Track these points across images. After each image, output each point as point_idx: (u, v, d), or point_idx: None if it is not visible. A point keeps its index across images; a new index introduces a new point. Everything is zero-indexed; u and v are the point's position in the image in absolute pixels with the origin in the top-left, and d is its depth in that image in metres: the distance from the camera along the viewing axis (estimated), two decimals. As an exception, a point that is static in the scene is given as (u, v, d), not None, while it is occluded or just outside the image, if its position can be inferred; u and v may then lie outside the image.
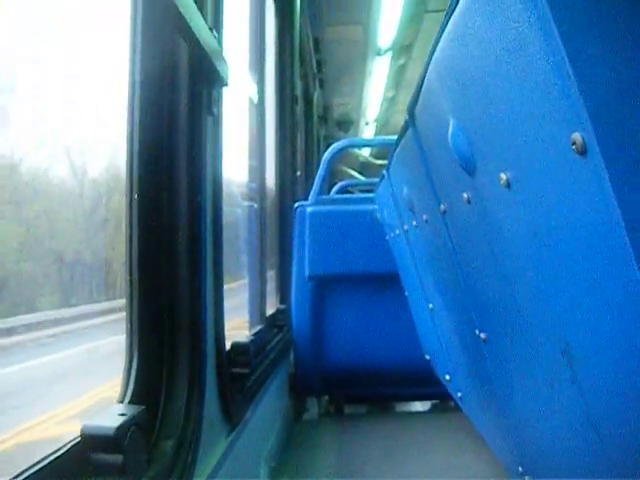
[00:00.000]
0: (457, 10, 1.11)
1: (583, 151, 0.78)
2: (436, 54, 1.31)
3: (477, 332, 1.89)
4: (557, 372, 1.24)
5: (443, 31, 1.22)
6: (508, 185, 1.11)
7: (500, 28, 0.94)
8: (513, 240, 1.25)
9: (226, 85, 2.09)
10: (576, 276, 0.97)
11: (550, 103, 0.84)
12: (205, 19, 1.84)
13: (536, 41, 0.83)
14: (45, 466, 1.24)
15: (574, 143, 0.79)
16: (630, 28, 0.74)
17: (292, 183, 5.35)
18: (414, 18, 7.98)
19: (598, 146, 0.75)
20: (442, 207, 1.81)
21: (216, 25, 2.03)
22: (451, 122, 1.34)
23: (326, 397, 5.42)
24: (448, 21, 1.17)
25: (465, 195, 1.46)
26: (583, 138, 0.77)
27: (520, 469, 1.94)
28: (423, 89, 1.52)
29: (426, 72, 1.43)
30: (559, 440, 1.43)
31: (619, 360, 0.95)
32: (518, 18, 0.86)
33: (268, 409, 3.34)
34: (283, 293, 4.67)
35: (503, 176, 1.12)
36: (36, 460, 1.25)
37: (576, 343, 1.09)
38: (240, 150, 4.18)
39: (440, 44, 1.26)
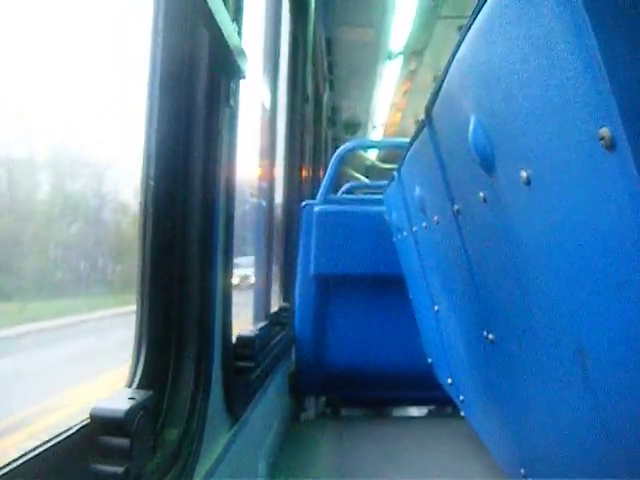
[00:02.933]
0: (484, 8, 1.12)
1: (611, 146, 0.78)
2: (459, 52, 1.31)
3: (485, 333, 1.89)
4: (568, 373, 1.24)
5: (469, 29, 1.22)
6: (528, 183, 1.11)
7: (528, 25, 0.94)
8: (530, 239, 1.25)
9: (244, 77, 2.10)
10: (596, 276, 0.97)
11: (578, 98, 0.84)
12: (227, 10, 1.84)
13: (567, 37, 0.83)
14: (53, 446, 1.24)
15: (602, 138, 0.79)
16: None
17: (300, 182, 5.35)
18: (427, 24, 7.99)
19: (627, 141, 0.75)
20: (456, 207, 1.81)
21: (237, 17, 2.03)
22: (472, 120, 1.34)
23: (323, 398, 5.42)
24: (474, 20, 1.18)
25: (481, 194, 1.46)
26: (612, 133, 0.77)
27: (522, 471, 1.94)
28: (443, 88, 1.53)
29: (447, 71, 1.43)
30: (566, 442, 1.43)
31: (634, 362, 0.95)
32: (548, 14, 0.86)
33: (269, 406, 3.34)
34: (287, 291, 4.67)
35: (523, 174, 1.12)
36: (45, 440, 1.26)
37: (590, 344, 1.09)
38: (251, 146, 4.18)
39: (465, 42, 1.26)
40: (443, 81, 1.49)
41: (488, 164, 1.32)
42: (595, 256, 0.95)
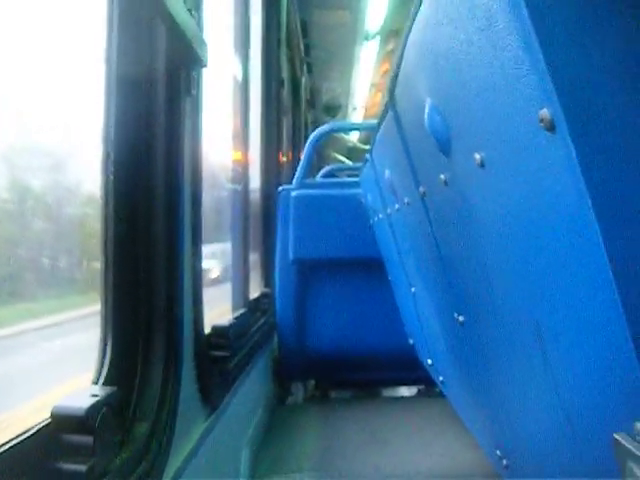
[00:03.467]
0: None
1: (551, 127, 0.77)
2: (412, 35, 1.30)
3: (456, 315, 1.89)
4: (529, 355, 1.24)
5: (418, 11, 1.21)
6: (482, 165, 1.10)
7: (471, 6, 0.93)
8: (488, 220, 1.24)
9: (205, 66, 2.07)
10: (546, 254, 0.97)
11: (519, 80, 0.83)
12: (184, 1, 1.82)
13: (505, 18, 0.82)
14: (14, 446, 1.23)
15: (542, 120, 0.78)
16: (598, 5, 0.73)
17: (278, 166, 5.33)
18: (403, 3, 7.94)
19: (566, 122, 0.74)
20: (421, 189, 1.80)
21: (196, 5, 2.00)
22: (427, 103, 1.33)
23: (312, 382, 5.43)
24: (422, 1, 1.16)
25: (442, 177, 1.45)
26: (551, 114, 0.76)
27: (498, 453, 1.95)
28: (401, 70, 1.51)
29: (403, 53, 1.41)
30: (533, 424, 1.43)
31: (588, 340, 0.94)
32: None
33: (250, 393, 3.34)
34: (267, 277, 4.66)
35: (477, 156, 1.11)
36: (4, 441, 1.24)
37: (546, 324, 1.09)
38: (225, 131, 4.15)
39: (415, 24, 1.25)
40: (401, 63, 1.47)
41: (445, 147, 1.31)
42: (544, 238, 0.95)
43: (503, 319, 1.38)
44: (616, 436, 0.85)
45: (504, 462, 1.90)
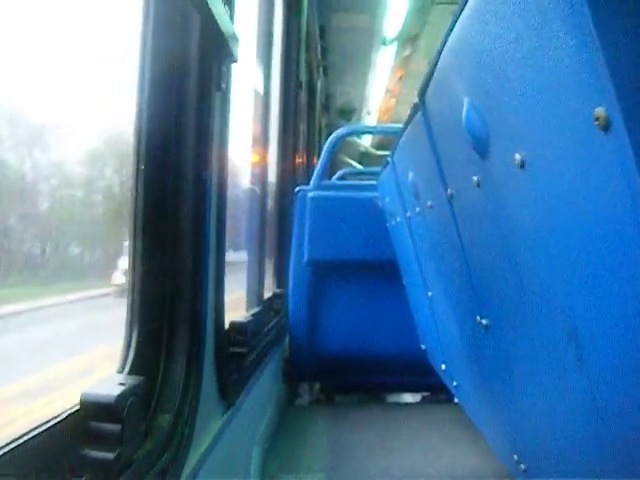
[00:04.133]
0: None
1: (606, 127, 0.77)
2: (452, 34, 1.30)
3: (479, 318, 1.89)
4: (562, 358, 1.23)
5: (462, 11, 1.21)
6: (522, 166, 1.10)
7: (522, 4, 0.93)
8: (523, 223, 1.24)
9: (236, 61, 2.08)
10: (590, 259, 0.97)
11: (573, 78, 0.83)
12: None
13: (561, 15, 0.82)
14: (43, 432, 1.24)
15: (597, 118, 0.78)
16: None
17: (294, 168, 5.34)
18: (422, 9, 7.95)
19: (623, 121, 0.74)
20: (449, 192, 1.80)
21: (229, 0, 2.01)
22: (465, 102, 1.33)
23: (318, 385, 5.43)
24: (467, 1, 1.17)
25: (475, 178, 1.45)
26: (607, 113, 0.76)
27: (515, 457, 1.94)
28: (437, 71, 1.51)
29: (440, 54, 1.42)
30: (560, 428, 1.42)
31: (628, 344, 0.94)
32: None
33: (262, 392, 3.34)
34: (280, 277, 4.66)
35: (517, 156, 1.11)
36: (34, 426, 1.25)
37: (584, 327, 1.09)
38: (244, 132, 4.17)
39: (458, 24, 1.25)
40: (436, 64, 1.48)
41: (482, 147, 1.31)
42: (589, 239, 0.95)
43: (533, 321, 1.38)
44: None
45: (522, 466, 1.90)
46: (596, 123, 0.78)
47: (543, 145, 1.01)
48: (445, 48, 1.37)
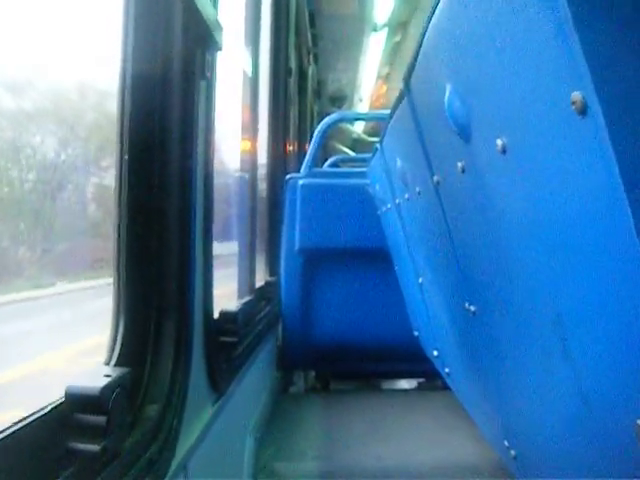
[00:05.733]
0: None
1: (583, 111, 0.76)
2: (434, 19, 1.29)
3: (467, 305, 1.89)
4: (548, 344, 1.23)
5: None
6: (504, 151, 1.10)
7: None
8: (507, 209, 1.23)
9: (220, 49, 2.07)
10: (572, 243, 0.96)
11: (550, 62, 0.82)
12: None
13: (539, 0, 0.81)
14: (27, 425, 1.23)
15: (574, 102, 0.77)
16: None
17: (284, 156, 5.32)
18: (411, -6, 7.94)
19: (599, 105, 0.74)
20: (436, 178, 1.79)
21: None
22: (447, 88, 1.32)
23: (312, 372, 5.43)
24: None
25: (460, 164, 1.45)
26: (584, 97, 0.76)
27: (506, 443, 1.94)
28: (420, 57, 1.51)
29: (423, 39, 1.41)
30: (547, 413, 1.43)
31: (611, 332, 0.94)
32: None
33: (255, 380, 3.34)
34: (272, 265, 4.66)
35: (499, 142, 1.10)
36: (18, 419, 1.24)
37: (568, 314, 1.08)
38: (234, 120, 4.15)
39: (438, 9, 1.24)
40: (419, 50, 1.47)
41: (465, 133, 1.30)
42: (571, 225, 0.94)
43: (519, 308, 1.38)
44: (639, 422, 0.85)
45: (512, 452, 1.90)
46: (573, 107, 0.78)
47: (523, 130, 1.01)
48: (427, 34, 1.36)
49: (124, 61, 1.72)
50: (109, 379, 1.39)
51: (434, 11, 1.26)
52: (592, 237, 0.89)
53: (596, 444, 1.13)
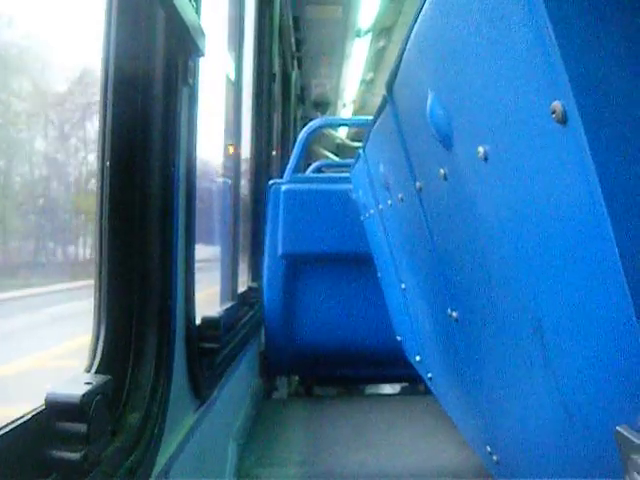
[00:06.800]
0: None
1: (563, 120, 0.77)
2: (416, 27, 1.29)
3: (449, 311, 1.89)
4: (528, 351, 1.23)
5: (424, 4, 1.20)
6: (485, 158, 1.10)
7: None
8: (489, 216, 1.24)
9: (203, 55, 2.06)
10: (552, 250, 0.97)
11: (531, 71, 0.83)
12: None
13: (519, 9, 0.81)
14: (6, 434, 1.22)
15: (554, 112, 0.78)
16: None
17: (268, 161, 5.32)
18: (395, 0, 7.95)
19: (579, 115, 0.74)
20: (418, 184, 1.80)
21: None
22: (430, 96, 1.32)
23: (296, 377, 5.43)
24: None
25: (442, 171, 1.45)
26: (563, 106, 0.76)
27: (488, 449, 1.95)
28: (402, 64, 1.51)
29: (406, 46, 1.41)
30: (528, 419, 1.43)
31: (591, 337, 0.94)
32: None
33: (237, 386, 3.33)
34: (255, 271, 4.65)
35: (480, 149, 1.11)
36: (-1, 426, 1.23)
37: (548, 321, 1.09)
38: (216, 126, 4.15)
39: (421, 16, 1.25)
40: (402, 56, 1.47)
41: (446, 140, 1.31)
42: (550, 232, 0.94)
43: (500, 314, 1.38)
44: (619, 429, 0.85)
45: (494, 458, 1.90)
46: (553, 116, 0.78)
47: (505, 138, 1.01)
48: (409, 41, 1.37)
49: (106, 67, 1.71)
50: (90, 386, 1.38)
51: (416, 19, 1.26)
52: (572, 245, 0.89)
53: (577, 450, 1.13)
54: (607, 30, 0.73)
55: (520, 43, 0.83)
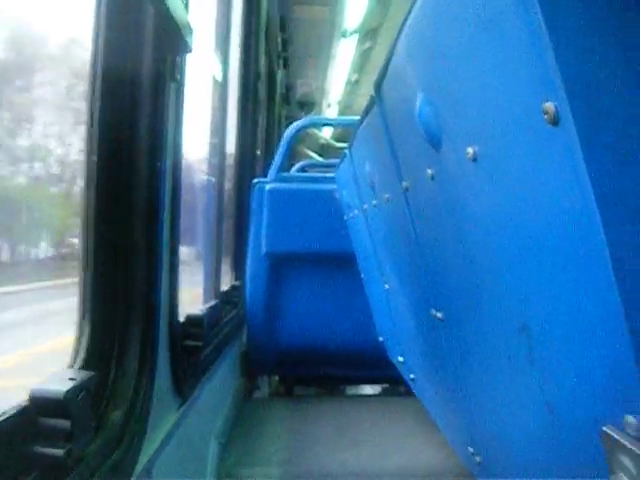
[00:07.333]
0: None
1: (555, 121, 0.77)
2: (407, 26, 1.29)
3: (433, 312, 1.89)
4: (514, 351, 1.24)
5: (414, 4, 1.21)
6: (474, 159, 1.10)
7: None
8: (476, 217, 1.24)
9: (190, 52, 2.06)
10: (541, 252, 0.97)
11: (523, 72, 0.83)
12: None
13: (512, 9, 0.81)
14: None
15: (546, 113, 0.78)
16: None
17: (252, 160, 5.32)
18: (382, 2, 7.95)
19: (571, 116, 0.74)
20: (405, 184, 1.80)
21: None
22: (419, 96, 1.32)
23: (277, 377, 5.42)
24: None
25: (429, 171, 1.45)
26: (556, 107, 0.76)
27: (471, 450, 1.95)
28: (391, 63, 1.51)
29: (395, 45, 1.41)
30: (513, 420, 1.43)
31: (576, 337, 0.94)
32: None
33: (219, 385, 3.33)
34: (238, 270, 4.64)
35: (470, 150, 1.11)
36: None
37: (534, 321, 1.09)
38: (202, 124, 4.14)
39: (411, 16, 1.25)
40: (391, 56, 1.47)
41: (435, 140, 1.31)
42: (540, 233, 0.95)
43: (486, 315, 1.39)
44: (605, 429, 0.85)
45: (477, 459, 1.91)
46: (545, 117, 0.78)
47: (495, 139, 1.01)
48: (399, 42, 1.37)
49: (94, 62, 1.70)
50: (74, 382, 1.37)
51: (407, 18, 1.26)
52: (561, 246, 0.89)
53: (561, 451, 1.14)
54: (601, 31, 0.74)
55: (512, 43, 0.83)
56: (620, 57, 0.74)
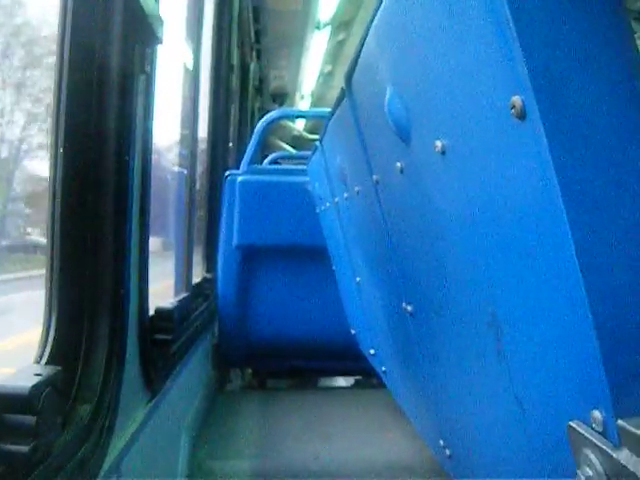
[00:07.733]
0: None
1: (522, 115, 0.77)
2: (376, 19, 1.29)
3: (404, 305, 1.89)
4: (483, 345, 1.24)
5: None
6: (443, 152, 1.10)
7: None
8: (445, 210, 1.24)
9: (161, 43, 2.04)
10: (508, 244, 0.97)
11: (490, 66, 0.83)
12: None
13: (480, 3, 0.81)
14: None
15: (513, 107, 0.78)
16: None
17: (224, 152, 5.29)
18: (355, -6, 7.96)
19: (538, 110, 0.74)
20: (375, 177, 1.79)
21: None
22: (388, 89, 1.32)
23: (249, 370, 5.41)
24: None
25: (399, 164, 1.45)
26: (523, 102, 0.76)
27: (441, 442, 1.96)
28: (361, 57, 1.50)
29: (365, 38, 1.40)
30: (482, 413, 1.44)
31: (544, 331, 0.94)
32: None
33: (190, 378, 3.31)
34: (210, 262, 4.62)
35: (438, 143, 1.11)
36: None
37: (503, 315, 1.09)
38: (172, 115, 4.11)
39: (381, 8, 1.24)
40: (361, 49, 1.47)
41: (404, 134, 1.30)
42: (508, 227, 0.95)
43: (455, 308, 1.39)
44: (571, 424, 0.85)
45: (447, 452, 1.91)
46: (512, 111, 0.78)
47: (463, 133, 1.01)
48: (369, 34, 1.36)
49: (61, 52, 1.68)
50: (39, 378, 1.36)
51: (376, 12, 1.26)
52: (528, 239, 0.89)
53: (530, 445, 1.14)
54: (567, 26, 0.73)
55: (480, 37, 0.83)
56: (587, 52, 0.74)
